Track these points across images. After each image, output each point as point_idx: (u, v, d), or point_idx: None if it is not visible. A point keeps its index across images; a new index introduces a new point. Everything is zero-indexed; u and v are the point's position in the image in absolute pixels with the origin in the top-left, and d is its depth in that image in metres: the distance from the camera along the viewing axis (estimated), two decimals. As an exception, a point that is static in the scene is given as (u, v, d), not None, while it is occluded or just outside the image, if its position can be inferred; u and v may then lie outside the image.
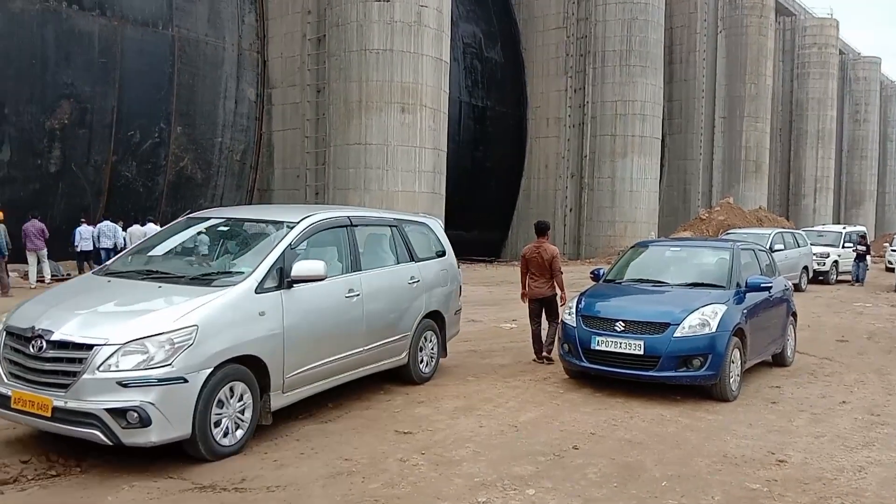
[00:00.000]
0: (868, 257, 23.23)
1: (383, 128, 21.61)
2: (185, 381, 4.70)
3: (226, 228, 6.55)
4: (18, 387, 4.78)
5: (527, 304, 9.00)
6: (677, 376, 6.95)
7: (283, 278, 5.54)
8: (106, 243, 17.97)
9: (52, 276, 16.35)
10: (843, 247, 23.22)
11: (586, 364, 7.32)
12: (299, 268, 5.57)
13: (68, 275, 16.62)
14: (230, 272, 5.58)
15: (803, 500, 4.68)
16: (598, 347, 7.16)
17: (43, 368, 4.72)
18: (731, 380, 7.14)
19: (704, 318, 7.00)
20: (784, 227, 27.06)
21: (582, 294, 7.96)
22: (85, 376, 4.57)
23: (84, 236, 18.01)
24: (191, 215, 6.86)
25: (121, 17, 21.39)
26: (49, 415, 4.61)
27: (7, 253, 14.78)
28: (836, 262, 22.58)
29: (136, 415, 4.52)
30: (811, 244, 21.64)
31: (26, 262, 16.13)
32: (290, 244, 5.76)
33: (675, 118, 39.87)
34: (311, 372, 5.83)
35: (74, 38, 20.37)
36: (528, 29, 34.23)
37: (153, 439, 4.61)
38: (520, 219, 34.00)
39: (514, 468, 5.05)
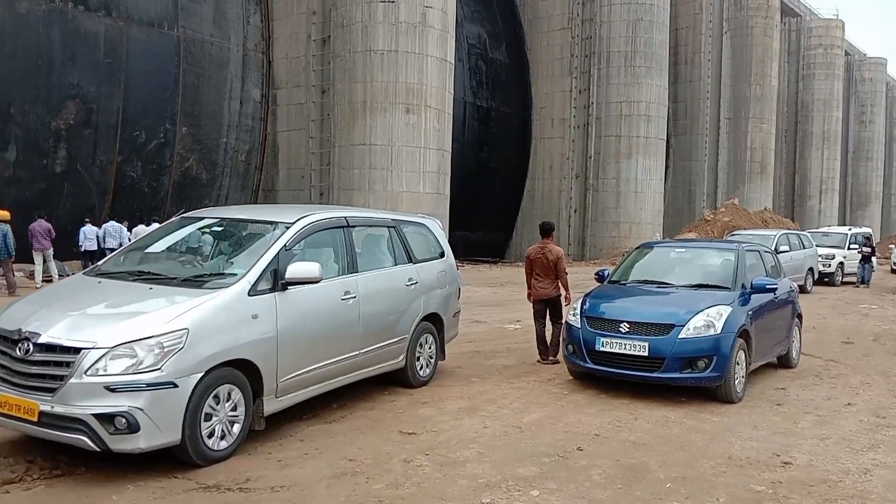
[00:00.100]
0: (873, 259, 23.15)
1: (388, 128, 21.63)
2: (175, 385, 4.60)
3: (219, 229, 6.43)
4: (4, 390, 4.69)
5: (531, 304, 9.00)
6: (682, 378, 6.94)
7: (277, 280, 5.42)
8: (111, 243, 18.01)
9: (60, 275, 16.39)
10: (849, 248, 23.16)
11: (591, 365, 7.31)
12: (294, 269, 5.46)
13: (73, 275, 16.63)
14: (223, 274, 5.48)
15: (808, 502, 4.66)
16: (602, 349, 7.15)
17: (30, 372, 4.63)
18: (736, 381, 7.12)
19: (709, 320, 6.99)
20: (789, 229, 27.02)
21: (586, 295, 7.95)
22: (72, 380, 4.47)
23: (88, 236, 18.06)
24: (184, 215, 6.74)
25: (126, 17, 21.46)
26: (36, 419, 4.52)
27: (14, 253, 14.83)
28: (841, 263, 22.52)
29: (123, 420, 4.43)
30: (816, 245, 21.58)
31: (32, 262, 16.17)
32: (284, 245, 5.64)
33: (680, 119, 39.84)
34: (305, 376, 5.71)
35: (80, 39, 20.44)
36: (532, 30, 34.24)
37: (141, 445, 4.52)
38: (524, 220, 33.99)
39: (519, 469, 5.04)
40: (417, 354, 7.35)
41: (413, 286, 7.20)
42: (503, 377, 7.98)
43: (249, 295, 5.23)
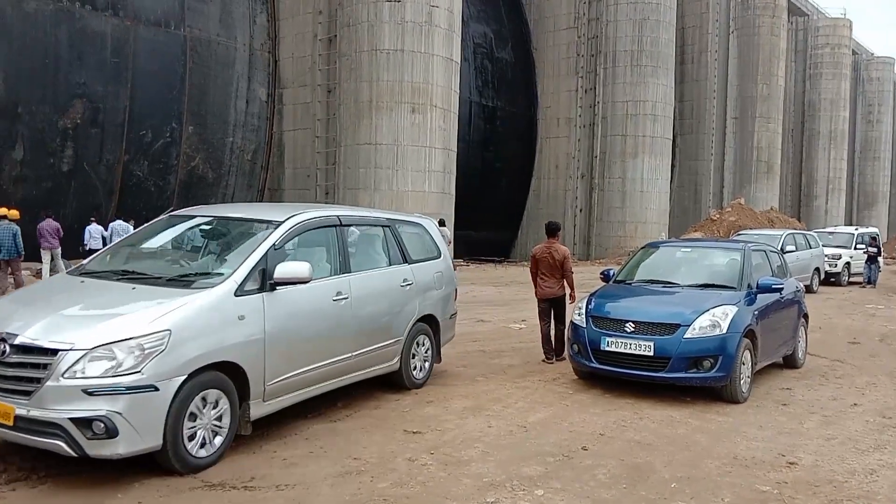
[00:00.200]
0: (880, 259, 23.08)
1: (393, 128, 21.65)
2: (156, 389, 4.43)
3: (208, 227, 6.24)
4: None
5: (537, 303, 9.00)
6: (687, 377, 6.93)
7: (265, 280, 5.26)
8: (117, 242, 18.04)
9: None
10: (855, 248, 23.07)
11: (596, 365, 7.30)
12: (283, 269, 5.30)
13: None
14: (209, 273, 5.32)
15: (814, 502, 4.65)
16: (607, 348, 7.15)
17: (6, 374, 4.46)
18: (742, 381, 7.11)
19: (715, 320, 6.98)
20: (796, 229, 26.93)
21: (592, 294, 7.94)
22: (49, 383, 4.31)
23: (94, 235, 18.09)
24: (173, 213, 6.56)
25: (133, 17, 21.54)
26: (11, 423, 4.37)
27: (23, 252, 14.88)
28: (847, 263, 22.43)
29: (102, 425, 4.27)
30: (823, 245, 21.53)
31: (40, 261, 16.24)
32: (273, 244, 5.47)
33: (686, 118, 39.73)
34: (294, 379, 5.53)
35: (87, 38, 20.53)
36: (538, 29, 34.21)
37: (120, 451, 4.37)
38: (529, 219, 33.99)
39: (523, 469, 5.05)
40: (412, 356, 7.20)
41: (408, 287, 7.04)
42: (508, 377, 7.98)
43: (236, 295, 5.07)
